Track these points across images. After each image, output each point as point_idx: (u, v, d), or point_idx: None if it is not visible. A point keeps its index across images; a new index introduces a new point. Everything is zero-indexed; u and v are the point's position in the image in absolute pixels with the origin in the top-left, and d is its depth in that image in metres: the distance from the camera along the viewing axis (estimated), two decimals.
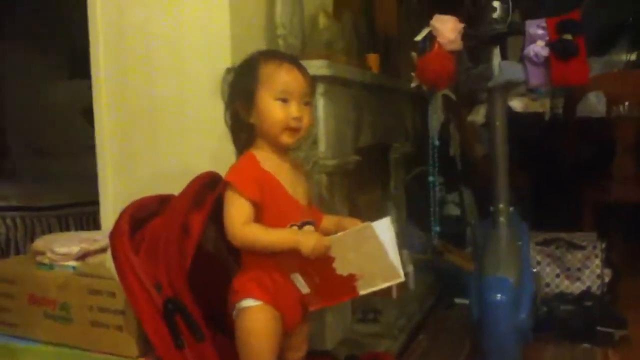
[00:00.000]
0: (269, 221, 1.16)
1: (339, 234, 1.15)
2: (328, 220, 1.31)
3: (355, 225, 1.19)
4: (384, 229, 1.15)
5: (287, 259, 1.15)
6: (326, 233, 1.20)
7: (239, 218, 1.13)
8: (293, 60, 1.24)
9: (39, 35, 3.39)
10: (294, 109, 1.18)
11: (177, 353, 1.13)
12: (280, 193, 1.19)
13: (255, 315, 1.17)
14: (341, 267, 1.15)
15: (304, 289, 1.19)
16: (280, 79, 1.18)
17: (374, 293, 1.19)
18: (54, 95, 3.47)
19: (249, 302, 1.17)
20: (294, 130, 1.19)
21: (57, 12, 3.27)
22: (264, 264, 1.18)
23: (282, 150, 1.23)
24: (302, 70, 1.22)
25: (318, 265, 1.15)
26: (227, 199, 1.16)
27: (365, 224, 1.14)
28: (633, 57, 3.64)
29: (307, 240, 1.12)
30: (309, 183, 1.32)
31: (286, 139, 1.20)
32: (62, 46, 3.39)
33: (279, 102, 1.18)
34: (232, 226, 1.14)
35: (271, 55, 1.25)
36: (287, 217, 1.18)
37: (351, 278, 1.16)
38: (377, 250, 1.13)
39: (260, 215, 1.16)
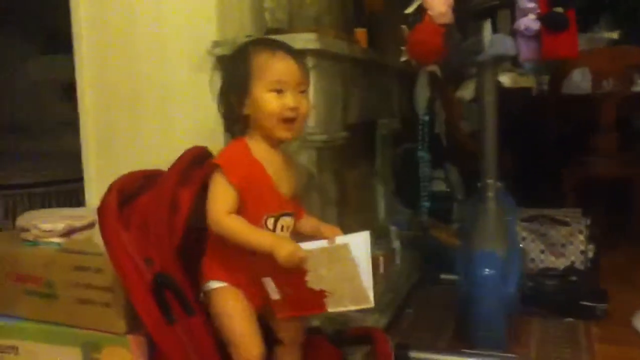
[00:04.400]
0: (247, 208, 1.14)
1: (314, 247, 1.10)
2: (307, 221, 1.28)
3: (334, 234, 1.15)
4: (361, 243, 1.09)
5: (261, 262, 1.12)
6: (302, 233, 1.19)
7: (223, 206, 1.11)
8: (286, 48, 1.19)
9: (8, 11, 3.29)
10: (289, 99, 1.14)
11: (167, 328, 1.12)
12: (264, 183, 1.16)
13: (220, 297, 1.17)
14: (312, 281, 1.12)
15: (274, 294, 1.17)
16: (274, 69, 1.15)
17: None
18: (25, 71, 3.38)
19: (213, 284, 1.17)
20: (290, 122, 1.16)
21: None
22: (230, 245, 1.15)
23: (275, 142, 1.20)
24: (296, 58, 1.18)
25: (290, 275, 1.12)
26: (214, 182, 1.14)
27: (343, 242, 1.09)
28: (615, 35, 3.67)
29: (283, 247, 1.07)
30: (298, 177, 1.29)
31: (282, 132, 1.17)
32: (34, 21, 3.30)
33: (273, 93, 1.14)
34: (215, 213, 1.12)
35: (263, 43, 1.21)
36: (267, 207, 1.16)
37: (321, 294, 1.13)
38: (350, 271, 1.10)
39: (240, 201, 1.13)
